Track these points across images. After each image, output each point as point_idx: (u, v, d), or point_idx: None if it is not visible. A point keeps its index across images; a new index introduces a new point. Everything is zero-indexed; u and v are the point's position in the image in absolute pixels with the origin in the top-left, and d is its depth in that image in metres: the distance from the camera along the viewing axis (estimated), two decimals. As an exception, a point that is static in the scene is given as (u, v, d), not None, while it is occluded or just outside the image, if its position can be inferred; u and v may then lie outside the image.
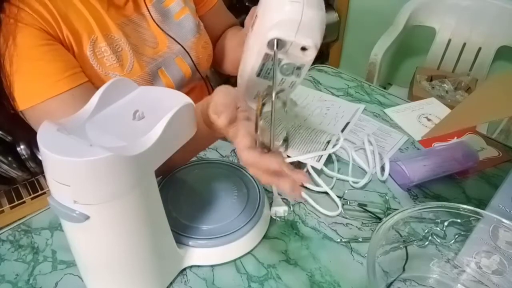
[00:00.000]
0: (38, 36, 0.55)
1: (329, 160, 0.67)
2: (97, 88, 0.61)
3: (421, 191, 0.64)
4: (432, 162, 0.64)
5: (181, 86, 0.72)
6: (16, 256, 0.54)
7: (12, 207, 1.29)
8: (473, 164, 0.66)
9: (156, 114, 0.40)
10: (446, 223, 0.51)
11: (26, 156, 1.27)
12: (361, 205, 0.60)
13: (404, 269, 0.49)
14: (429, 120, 0.80)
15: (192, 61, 0.72)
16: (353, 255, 0.54)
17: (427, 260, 0.51)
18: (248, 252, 0.54)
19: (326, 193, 0.63)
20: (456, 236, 0.50)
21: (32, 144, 1.27)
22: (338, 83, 0.92)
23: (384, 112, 0.82)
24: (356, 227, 0.58)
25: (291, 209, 0.60)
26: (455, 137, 0.75)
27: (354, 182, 0.64)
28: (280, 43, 0.41)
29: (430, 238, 0.51)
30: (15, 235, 0.57)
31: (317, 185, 0.63)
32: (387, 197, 0.62)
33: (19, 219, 0.59)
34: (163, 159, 0.41)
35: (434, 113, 0.82)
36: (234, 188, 0.57)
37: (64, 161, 0.34)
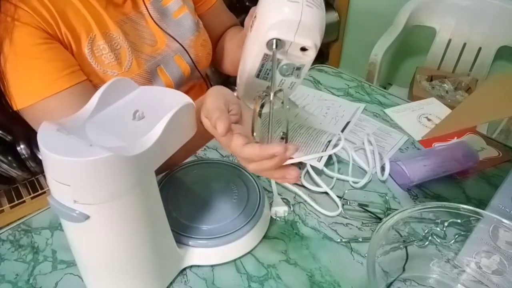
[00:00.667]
0: (36, 34, 0.55)
1: (329, 161, 0.67)
2: (96, 86, 0.61)
3: (421, 191, 0.64)
4: (432, 162, 0.64)
5: (180, 84, 0.72)
6: (16, 256, 0.54)
7: (12, 207, 1.29)
8: (473, 164, 0.66)
9: (156, 114, 0.40)
10: (446, 223, 0.51)
11: (26, 155, 1.28)
12: (361, 205, 0.60)
13: (404, 269, 0.49)
14: (429, 120, 0.80)
15: (191, 59, 0.72)
16: (353, 255, 0.54)
17: (427, 260, 0.51)
18: (248, 252, 0.54)
19: (327, 193, 0.63)
20: (456, 236, 0.50)
21: (32, 144, 1.27)
22: (338, 83, 0.92)
23: (384, 112, 0.82)
24: (356, 227, 0.58)
25: (291, 209, 0.60)
26: (455, 137, 0.75)
27: (354, 182, 0.64)
28: (279, 44, 0.41)
29: (430, 238, 0.51)
30: (15, 234, 0.57)
31: (317, 185, 0.63)
32: (387, 197, 0.62)
33: (19, 219, 0.59)
34: (163, 159, 0.41)
35: (434, 113, 0.82)
36: (234, 188, 0.57)
37: (64, 161, 0.34)
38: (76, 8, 0.58)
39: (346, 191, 0.63)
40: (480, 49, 1.43)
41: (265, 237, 0.56)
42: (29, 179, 1.36)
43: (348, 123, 0.78)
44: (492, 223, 0.45)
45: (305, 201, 0.61)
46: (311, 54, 0.43)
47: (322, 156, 0.65)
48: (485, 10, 1.37)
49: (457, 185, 0.65)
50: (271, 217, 0.58)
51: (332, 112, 0.82)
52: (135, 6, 0.67)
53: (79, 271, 0.49)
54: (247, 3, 1.74)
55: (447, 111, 0.82)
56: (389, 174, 0.65)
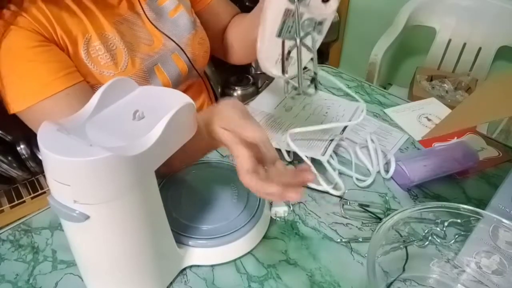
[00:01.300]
0: (31, 37, 0.55)
1: (329, 162, 0.67)
2: (93, 87, 0.61)
3: (421, 191, 0.64)
4: (432, 162, 0.64)
5: (178, 83, 0.72)
6: (16, 255, 0.54)
7: (12, 207, 1.29)
8: (473, 164, 0.66)
9: (156, 114, 0.40)
10: (446, 223, 0.51)
11: (26, 155, 1.27)
12: (361, 205, 0.60)
13: (404, 269, 0.49)
14: (429, 120, 0.80)
15: (188, 58, 0.72)
16: (353, 255, 0.54)
17: (427, 260, 0.51)
18: (248, 252, 0.54)
19: (327, 192, 0.63)
20: (456, 236, 0.50)
21: (32, 144, 1.27)
22: (338, 83, 0.92)
23: (384, 112, 0.82)
24: (356, 227, 0.58)
25: (291, 209, 0.60)
26: (455, 137, 0.75)
27: (358, 179, 0.65)
28: None
29: (430, 238, 0.51)
30: (15, 234, 0.57)
31: (318, 184, 0.63)
32: (387, 197, 0.62)
33: (19, 219, 0.59)
34: (163, 159, 0.41)
35: (434, 113, 0.82)
36: (234, 188, 0.57)
37: (64, 161, 0.34)
38: (72, 11, 0.59)
39: (346, 191, 0.63)
40: (480, 49, 1.44)
41: (265, 237, 0.56)
42: (29, 179, 1.36)
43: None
44: (492, 223, 0.45)
45: (305, 201, 0.61)
46: (333, 4, 0.42)
47: (326, 149, 0.65)
48: (485, 10, 1.37)
49: (457, 185, 0.65)
50: (271, 217, 0.58)
51: (333, 112, 0.82)
52: (131, 6, 0.67)
53: (79, 271, 0.49)
54: (247, 3, 1.74)
55: (447, 111, 0.82)
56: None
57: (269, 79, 0.88)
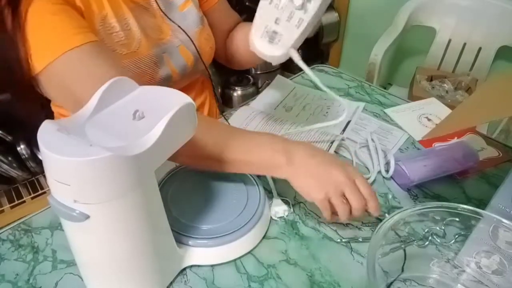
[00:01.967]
0: (52, 0, 0.55)
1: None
2: None
3: (421, 191, 0.64)
4: (432, 162, 0.64)
5: (185, 74, 0.74)
6: (16, 255, 0.54)
7: (12, 207, 1.29)
8: (473, 164, 0.66)
9: (156, 114, 0.40)
10: (446, 223, 0.51)
11: (26, 156, 1.28)
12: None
13: (403, 270, 0.49)
14: (429, 120, 0.80)
15: (196, 49, 0.73)
16: (353, 255, 0.54)
17: (427, 260, 0.51)
18: (248, 252, 0.54)
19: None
20: (456, 236, 0.50)
21: (32, 144, 1.27)
22: (338, 83, 0.92)
23: (384, 112, 0.82)
24: (356, 227, 0.58)
25: (291, 209, 0.60)
26: (455, 137, 0.75)
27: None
28: None
29: (430, 238, 0.51)
30: (15, 234, 0.57)
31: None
32: (387, 197, 0.62)
33: (19, 219, 0.59)
34: (163, 159, 0.41)
35: (434, 113, 0.82)
36: (234, 188, 0.58)
37: (64, 161, 0.34)
38: None
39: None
40: (480, 49, 1.43)
41: (265, 237, 0.56)
42: (29, 179, 1.36)
43: (349, 122, 0.78)
44: (492, 223, 0.45)
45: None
46: None
47: (332, 143, 0.64)
48: (485, 10, 1.37)
49: (457, 185, 0.65)
50: (271, 217, 0.58)
51: (333, 111, 0.82)
52: None
53: (79, 271, 0.49)
54: (247, 3, 1.74)
55: (447, 111, 0.82)
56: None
57: (269, 79, 0.88)
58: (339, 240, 0.56)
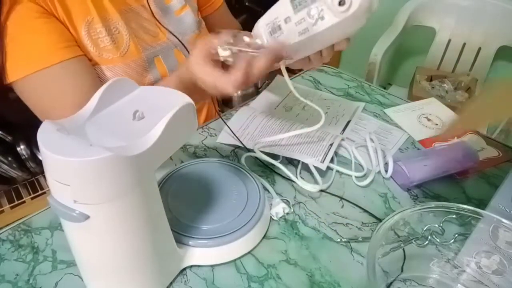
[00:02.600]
0: (33, 9, 0.56)
1: (331, 161, 0.67)
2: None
3: (421, 191, 0.64)
4: (432, 162, 0.64)
5: None
6: (16, 256, 0.54)
7: (12, 207, 1.29)
8: (473, 164, 0.66)
9: (156, 114, 0.40)
10: (445, 223, 0.51)
11: (26, 156, 1.28)
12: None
13: (402, 270, 0.49)
14: (429, 120, 0.80)
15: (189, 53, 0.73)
16: (353, 255, 0.54)
17: (427, 260, 0.51)
18: (248, 252, 0.54)
19: (326, 191, 0.63)
20: (456, 236, 0.50)
21: (32, 144, 1.27)
22: (338, 83, 0.92)
23: (384, 112, 0.82)
24: (356, 227, 0.58)
25: (291, 209, 0.60)
26: (455, 137, 0.75)
27: (357, 178, 0.65)
28: None
29: (429, 237, 0.51)
30: (15, 234, 0.57)
31: (317, 183, 0.63)
32: (387, 197, 0.62)
33: (19, 219, 0.59)
34: (163, 159, 0.41)
35: (434, 113, 0.82)
36: (234, 188, 0.57)
37: (64, 161, 0.34)
38: None
39: (346, 191, 0.63)
40: (480, 49, 1.44)
41: (265, 237, 0.56)
42: (29, 180, 1.36)
43: (348, 122, 0.78)
44: (492, 223, 0.45)
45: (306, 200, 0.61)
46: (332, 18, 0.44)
47: (325, 156, 0.65)
48: (485, 10, 1.37)
49: (457, 185, 0.65)
50: (271, 217, 0.58)
51: (333, 111, 0.82)
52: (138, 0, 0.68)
53: (79, 271, 0.49)
54: (246, 3, 1.74)
55: (447, 111, 0.83)
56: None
57: (269, 79, 0.88)
58: (339, 240, 0.56)
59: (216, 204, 0.55)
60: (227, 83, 0.46)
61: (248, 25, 0.57)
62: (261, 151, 0.66)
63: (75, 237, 0.42)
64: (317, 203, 0.61)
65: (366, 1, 0.45)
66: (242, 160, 0.67)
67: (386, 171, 0.65)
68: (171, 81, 0.58)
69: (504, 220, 0.44)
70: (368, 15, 0.47)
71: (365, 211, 0.60)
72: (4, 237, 0.57)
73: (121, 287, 0.47)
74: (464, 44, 1.46)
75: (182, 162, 0.64)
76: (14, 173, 1.28)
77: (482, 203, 0.55)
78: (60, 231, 0.57)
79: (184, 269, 0.52)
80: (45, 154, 0.35)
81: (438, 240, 0.51)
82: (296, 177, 0.63)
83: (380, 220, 0.58)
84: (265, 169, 0.67)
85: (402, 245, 0.49)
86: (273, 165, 0.65)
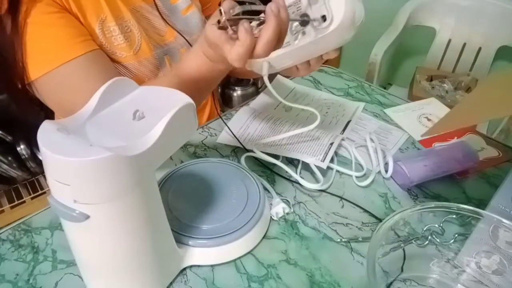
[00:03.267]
0: (51, 4, 0.56)
1: (331, 161, 0.67)
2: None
3: (421, 191, 0.64)
4: (432, 162, 0.64)
5: None
6: (16, 255, 0.54)
7: (12, 207, 1.29)
8: (473, 164, 0.66)
9: (156, 114, 0.40)
10: (445, 223, 0.51)
11: (26, 156, 1.28)
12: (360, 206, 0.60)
13: (402, 270, 0.49)
14: (429, 120, 0.80)
15: None
16: (353, 255, 0.54)
17: (427, 260, 0.51)
18: (248, 252, 0.54)
19: (327, 191, 0.63)
20: (456, 236, 0.50)
21: (32, 144, 1.27)
22: (338, 83, 0.92)
23: (384, 112, 0.82)
24: (356, 227, 0.58)
25: (291, 209, 0.60)
26: (455, 137, 0.75)
27: (357, 178, 0.65)
28: None
29: (429, 237, 0.51)
30: (15, 234, 0.57)
31: (318, 182, 0.63)
32: (387, 197, 0.62)
33: (19, 219, 0.60)
34: (163, 159, 0.41)
35: (434, 113, 0.82)
36: (234, 188, 0.57)
37: (64, 161, 0.34)
38: None
39: (346, 191, 0.63)
40: (480, 49, 1.44)
41: (265, 237, 0.56)
42: (29, 180, 1.36)
43: (348, 122, 0.78)
44: (492, 223, 0.45)
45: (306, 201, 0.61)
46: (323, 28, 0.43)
47: (326, 155, 0.65)
48: (485, 10, 1.37)
49: (457, 185, 0.65)
50: (271, 217, 0.58)
51: (333, 111, 0.82)
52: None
53: (79, 271, 0.49)
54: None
55: (447, 111, 0.82)
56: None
57: (269, 79, 0.88)
58: (339, 240, 0.56)
59: (216, 204, 0.55)
60: (229, 51, 0.44)
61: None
62: (261, 151, 0.66)
63: (75, 237, 0.42)
64: (317, 203, 0.61)
65: (349, 17, 0.44)
66: (242, 160, 0.67)
67: (386, 171, 0.65)
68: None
69: (504, 220, 0.44)
70: (353, 30, 0.47)
71: (365, 211, 0.60)
72: (4, 237, 0.57)
73: (121, 287, 0.47)
74: (464, 44, 1.46)
75: (182, 162, 0.64)
76: (14, 173, 1.29)
77: (482, 203, 0.55)
78: (60, 231, 0.57)
79: (184, 269, 0.52)
80: (45, 154, 0.35)
81: (438, 240, 0.51)
82: (296, 175, 0.63)
83: (380, 220, 0.58)
84: (265, 169, 0.67)
85: (402, 245, 0.49)
86: (273, 165, 0.65)
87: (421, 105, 0.84)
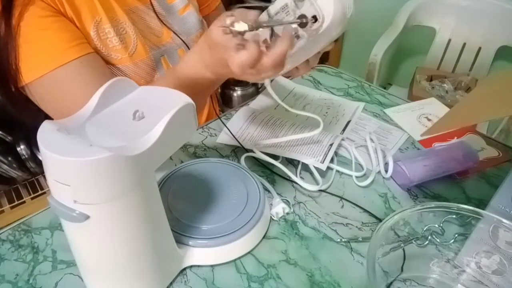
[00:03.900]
0: (45, 8, 0.56)
1: (331, 161, 0.67)
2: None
3: (421, 191, 0.64)
4: (432, 162, 0.64)
5: None
6: (16, 256, 0.54)
7: (12, 207, 1.29)
8: (473, 164, 0.66)
9: (156, 114, 0.40)
10: (445, 223, 0.51)
11: (26, 156, 1.28)
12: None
13: (402, 270, 0.49)
14: (429, 120, 0.80)
15: None
16: (353, 255, 0.54)
17: (427, 260, 0.51)
18: (248, 252, 0.54)
19: (327, 191, 0.63)
20: (456, 236, 0.50)
21: (32, 144, 1.27)
22: (338, 83, 0.92)
23: (384, 112, 0.82)
24: (356, 227, 0.58)
25: (291, 209, 0.60)
26: (455, 137, 0.75)
27: (357, 178, 0.65)
28: None
29: (429, 237, 0.51)
30: (15, 234, 0.57)
31: (317, 183, 0.63)
32: (387, 197, 0.62)
33: (19, 219, 0.59)
34: (163, 159, 0.41)
35: (434, 113, 0.82)
36: (234, 188, 0.57)
37: (64, 161, 0.34)
38: None
39: (346, 191, 0.63)
40: (480, 49, 1.44)
41: (265, 237, 0.56)
42: (29, 180, 1.36)
43: (348, 122, 0.78)
44: (492, 223, 0.45)
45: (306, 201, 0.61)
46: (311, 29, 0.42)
47: (325, 157, 0.65)
48: (485, 10, 1.37)
49: (457, 185, 0.65)
50: (271, 217, 0.58)
51: (333, 111, 0.82)
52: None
53: (79, 271, 0.49)
54: (246, 4, 1.74)
55: (447, 111, 0.82)
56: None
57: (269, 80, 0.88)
58: (339, 240, 0.56)
59: (216, 204, 0.55)
60: (232, 57, 0.44)
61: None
62: (261, 151, 0.66)
63: (75, 237, 0.42)
64: (317, 203, 0.61)
65: (339, 12, 0.44)
66: (242, 160, 0.67)
67: (386, 171, 0.65)
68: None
69: (504, 220, 0.44)
70: (345, 23, 0.47)
71: (365, 211, 0.60)
72: (4, 237, 0.57)
73: (121, 287, 0.47)
74: (464, 44, 1.46)
75: (182, 162, 0.64)
76: (14, 173, 1.28)
77: (482, 203, 0.55)
78: (60, 231, 0.57)
79: (184, 269, 0.52)
80: (45, 154, 0.35)
81: (438, 240, 0.51)
82: (296, 177, 0.63)
83: (380, 220, 0.58)
84: (265, 169, 0.67)
85: (402, 245, 0.49)
86: (273, 165, 0.65)
87: (421, 105, 0.84)
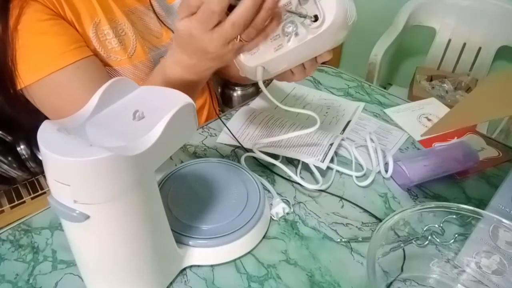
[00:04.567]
0: (43, 11, 0.56)
1: (331, 161, 0.67)
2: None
3: (421, 191, 0.64)
4: (432, 162, 0.64)
5: None
6: (16, 255, 0.54)
7: (12, 207, 1.29)
8: (473, 164, 0.66)
9: (156, 114, 0.40)
10: (445, 223, 0.51)
11: (26, 156, 1.27)
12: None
13: (402, 270, 0.49)
14: (429, 120, 0.80)
15: None
16: (353, 255, 0.54)
17: (427, 260, 0.51)
18: (248, 252, 0.54)
19: (327, 191, 0.63)
20: (456, 236, 0.50)
21: (32, 144, 1.27)
22: (338, 83, 0.92)
23: (384, 112, 0.82)
24: (356, 227, 0.58)
25: (291, 209, 0.60)
26: (455, 137, 0.75)
27: (357, 178, 0.65)
28: None
29: (429, 237, 0.51)
30: (15, 234, 0.57)
31: (318, 182, 0.63)
32: (387, 197, 0.62)
33: (19, 219, 0.59)
34: (163, 159, 0.41)
35: (434, 113, 0.82)
36: (234, 188, 0.57)
37: (64, 161, 0.34)
38: None
39: (346, 191, 0.63)
40: (480, 49, 1.44)
41: (265, 237, 0.56)
42: (29, 180, 1.36)
43: (349, 122, 0.78)
44: (492, 223, 0.45)
45: (305, 201, 0.61)
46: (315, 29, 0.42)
47: (325, 156, 0.65)
48: (485, 10, 1.38)
49: (457, 185, 0.65)
50: (271, 217, 0.58)
51: (333, 111, 0.82)
52: (141, 0, 0.68)
53: (79, 271, 0.49)
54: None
55: (447, 111, 0.82)
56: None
57: (269, 80, 0.88)
58: (339, 240, 0.56)
59: (216, 204, 0.55)
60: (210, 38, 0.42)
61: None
62: (261, 151, 0.66)
63: (75, 237, 0.42)
64: (317, 203, 0.61)
65: (340, 16, 0.44)
66: (242, 160, 0.67)
67: (386, 171, 0.65)
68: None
69: (504, 220, 0.44)
70: (345, 30, 0.47)
71: (365, 211, 0.60)
72: (4, 237, 0.57)
73: (121, 287, 0.47)
74: (464, 44, 1.46)
75: (182, 162, 0.64)
76: (14, 173, 1.28)
77: (482, 203, 0.56)
78: (60, 231, 0.57)
79: (184, 269, 0.52)
80: (45, 154, 0.35)
81: (438, 240, 0.51)
82: (296, 176, 0.63)
83: (380, 220, 0.58)
84: (265, 169, 0.67)
85: (402, 245, 0.49)
86: (273, 165, 0.65)
87: (421, 105, 0.84)
